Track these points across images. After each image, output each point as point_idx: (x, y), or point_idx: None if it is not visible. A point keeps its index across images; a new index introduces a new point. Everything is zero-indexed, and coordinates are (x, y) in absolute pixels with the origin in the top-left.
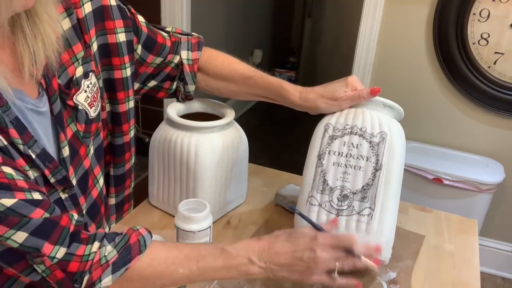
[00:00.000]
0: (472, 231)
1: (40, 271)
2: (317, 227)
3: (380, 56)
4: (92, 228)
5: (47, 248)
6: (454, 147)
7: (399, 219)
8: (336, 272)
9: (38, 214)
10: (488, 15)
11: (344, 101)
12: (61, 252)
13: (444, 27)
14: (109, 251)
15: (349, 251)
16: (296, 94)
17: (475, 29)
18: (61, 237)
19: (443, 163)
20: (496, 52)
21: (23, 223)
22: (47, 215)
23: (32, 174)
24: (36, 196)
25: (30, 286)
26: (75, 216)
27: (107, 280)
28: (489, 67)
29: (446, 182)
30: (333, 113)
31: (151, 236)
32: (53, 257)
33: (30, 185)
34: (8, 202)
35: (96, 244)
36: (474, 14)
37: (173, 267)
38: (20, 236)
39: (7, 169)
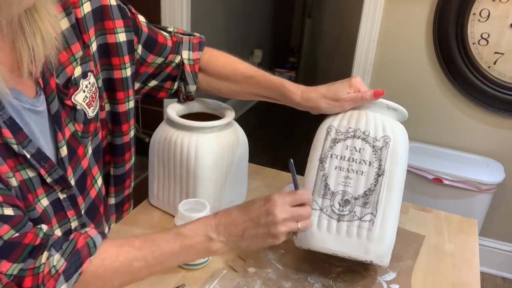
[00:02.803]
0: (472, 231)
1: None
2: (295, 184)
3: (380, 56)
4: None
5: (4, 266)
6: (454, 147)
7: (399, 219)
8: (297, 233)
9: (4, 231)
10: (488, 15)
11: (347, 102)
12: (17, 268)
13: (444, 27)
14: (57, 260)
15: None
16: (297, 93)
17: (475, 29)
18: (22, 255)
19: (443, 163)
20: (496, 52)
21: None
22: (12, 232)
23: (27, 174)
24: (8, 211)
25: None
26: (44, 229)
27: None
28: (489, 67)
29: (446, 182)
30: (336, 114)
31: (102, 236)
32: (10, 275)
33: (4, 199)
34: None
35: (45, 254)
36: (474, 14)
37: (127, 262)
38: None
39: None
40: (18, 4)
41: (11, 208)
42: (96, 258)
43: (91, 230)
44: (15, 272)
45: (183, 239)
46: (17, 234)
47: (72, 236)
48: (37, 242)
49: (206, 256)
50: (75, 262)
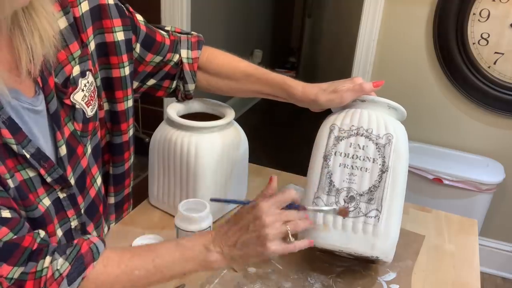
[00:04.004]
0: (472, 231)
1: None
2: (240, 202)
3: (380, 56)
4: (90, 228)
5: (4, 270)
6: (454, 147)
7: None
8: (290, 236)
9: (2, 234)
10: (488, 15)
11: (345, 92)
12: (17, 272)
13: (444, 27)
14: (61, 264)
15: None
16: (299, 88)
17: (475, 29)
18: (21, 258)
19: (443, 163)
20: (496, 52)
21: None
22: (11, 234)
23: (27, 174)
24: (5, 214)
25: None
26: (42, 234)
27: None
28: (489, 67)
29: (446, 182)
30: (338, 113)
31: (104, 244)
32: (11, 278)
33: (2, 201)
34: None
35: (48, 259)
36: (474, 14)
37: (128, 270)
38: None
39: None
40: (11, 3)
41: (8, 211)
42: (99, 264)
43: (93, 237)
44: (15, 276)
45: (183, 249)
46: (15, 237)
47: (75, 241)
48: (35, 246)
49: (204, 269)
50: (79, 266)
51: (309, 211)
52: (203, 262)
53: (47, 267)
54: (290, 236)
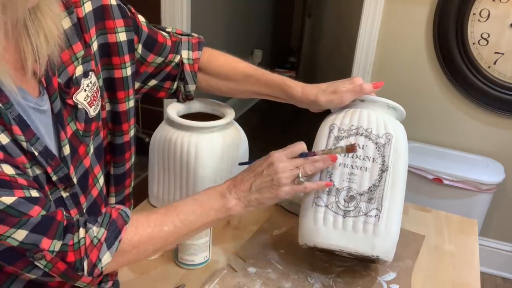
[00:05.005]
0: (472, 231)
1: (42, 267)
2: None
3: (380, 56)
4: None
5: (45, 243)
6: (454, 147)
7: None
8: (300, 177)
9: (36, 212)
10: (488, 15)
11: (345, 93)
12: (58, 245)
13: (444, 27)
14: (97, 231)
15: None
16: (298, 89)
17: (475, 29)
18: (58, 231)
19: (443, 163)
20: (496, 52)
21: (23, 222)
22: (43, 212)
23: (34, 171)
24: (34, 193)
25: (29, 283)
26: (64, 211)
27: (106, 257)
28: (489, 67)
29: (446, 182)
30: (338, 113)
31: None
32: (52, 251)
33: (29, 182)
34: (8, 200)
35: (82, 230)
36: (474, 14)
37: (157, 228)
38: (20, 234)
39: (8, 167)
40: (24, 5)
41: (36, 191)
42: (130, 226)
43: (118, 205)
44: (57, 248)
45: (201, 202)
46: (48, 213)
47: (103, 210)
48: (65, 221)
49: (225, 215)
50: (114, 230)
51: (319, 155)
52: (222, 208)
53: (84, 237)
54: (300, 177)
